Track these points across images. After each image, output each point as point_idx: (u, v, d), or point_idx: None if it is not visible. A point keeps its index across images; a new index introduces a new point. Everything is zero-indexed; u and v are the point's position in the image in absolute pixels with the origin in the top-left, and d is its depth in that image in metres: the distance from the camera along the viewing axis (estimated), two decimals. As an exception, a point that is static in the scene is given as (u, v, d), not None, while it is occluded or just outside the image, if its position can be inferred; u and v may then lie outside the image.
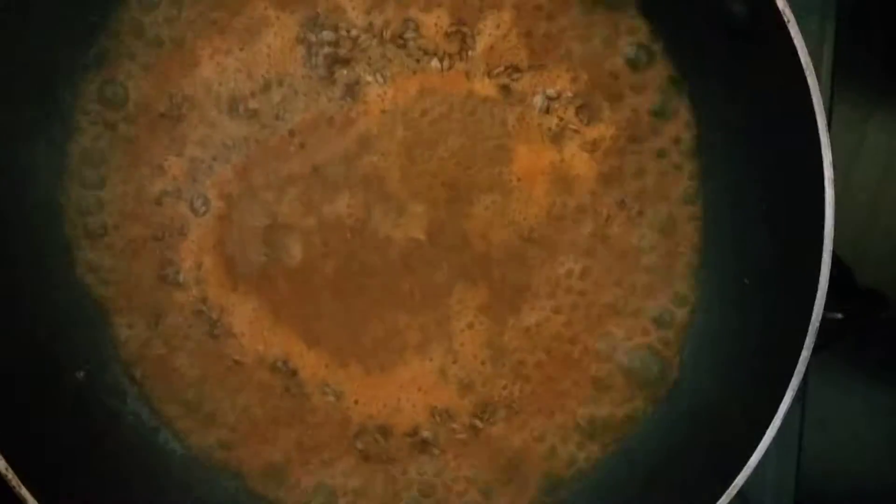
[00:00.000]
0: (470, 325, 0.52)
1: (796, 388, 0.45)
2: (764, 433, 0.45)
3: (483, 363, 0.52)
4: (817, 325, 0.46)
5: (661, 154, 0.51)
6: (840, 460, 0.68)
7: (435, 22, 0.50)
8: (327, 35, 0.50)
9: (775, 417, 0.45)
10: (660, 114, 0.51)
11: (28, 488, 0.45)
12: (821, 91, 0.44)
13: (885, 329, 0.66)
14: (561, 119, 0.51)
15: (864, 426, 0.68)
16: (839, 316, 0.64)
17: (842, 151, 0.67)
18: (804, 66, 0.42)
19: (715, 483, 0.46)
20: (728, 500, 0.46)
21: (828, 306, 0.64)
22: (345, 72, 0.50)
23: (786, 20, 0.42)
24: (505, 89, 0.51)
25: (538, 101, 0.51)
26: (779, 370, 0.46)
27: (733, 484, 0.46)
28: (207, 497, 0.52)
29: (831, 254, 0.45)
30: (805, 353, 0.46)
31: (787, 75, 0.43)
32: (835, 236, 0.65)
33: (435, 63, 0.50)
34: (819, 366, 0.65)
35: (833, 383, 0.67)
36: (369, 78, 0.50)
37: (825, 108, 0.45)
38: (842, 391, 0.67)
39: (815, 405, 0.64)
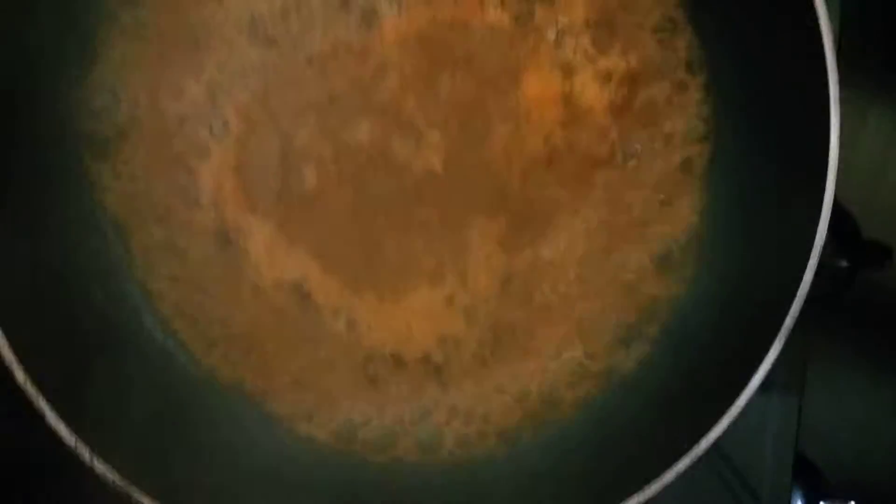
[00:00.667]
0: (488, 257, 0.54)
1: (790, 328, 0.46)
2: (753, 375, 0.46)
3: (495, 294, 0.54)
4: (815, 263, 0.46)
5: (671, 87, 0.52)
6: (842, 425, 0.69)
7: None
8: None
9: (765, 360, 0.46)
10: (668, 46, 0.52)
11: (46, 400, 0.46)
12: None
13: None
14: (574, 49, 0.52)
15: (868, 398, 0.69)
16: (844, 264, 0.65)
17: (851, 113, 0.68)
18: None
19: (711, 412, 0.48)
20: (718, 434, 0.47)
21: (833, 254, 0.65)
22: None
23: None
24: (518, 18, 0.52)
25: (551, 31, 0.52)
26: (775, 309, 0.47)
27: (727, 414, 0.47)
28: (218, 416, 0.53)
29: (833, 192, 0.46)
30: (802, 291, 0.46)
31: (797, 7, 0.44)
32: (843, 191, 0.66)
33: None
34: (824, 328, 0.66)
35: (837, 355, 0.68)
36: (384, 6, 0.51)
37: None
38: (846, 362, 0.68)
39: (817, 375, 0.65)
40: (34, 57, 0.49)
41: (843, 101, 0.47)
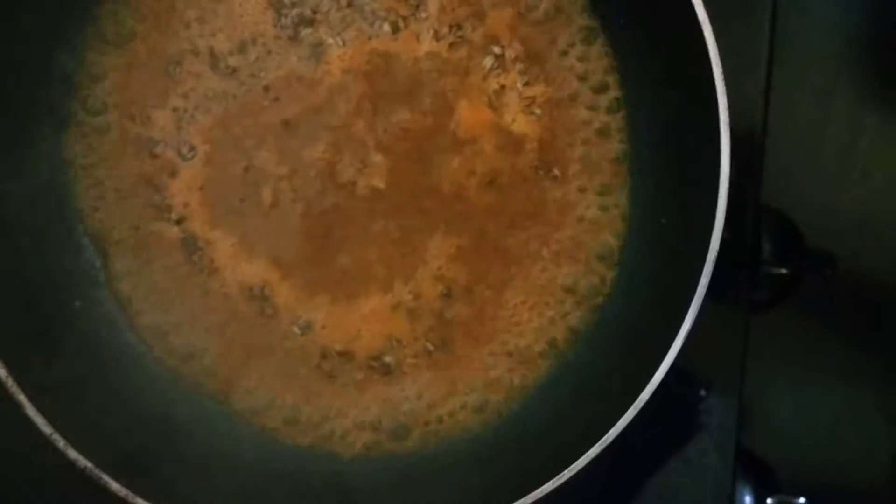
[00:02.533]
0: (438, 269, 0.57)
1: (696, 313, 0.49)
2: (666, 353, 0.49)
3: (439, 299, 0.58)
4: (715, 253, 0.49)
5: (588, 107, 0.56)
6: (793, 425, 0.71)
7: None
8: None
9: (673, 344, 0.49)
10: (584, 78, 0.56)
11: (36, 408, 0.50)
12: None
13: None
14: (504, 78, 0.56)
15: (819, 399, 0.71)
16: (784, 271, 0.68)
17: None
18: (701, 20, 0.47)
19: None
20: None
21: (773, 262, 0.68)
22: (310, 32, 0.56)
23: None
24: (453, 48, 0.56)
25: (486, 60, 0.56)
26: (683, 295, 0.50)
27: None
28: (188, 415, 0.58)
29: (727, 185, 0.49)
30: (703, 280, 0.49)
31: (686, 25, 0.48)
32: (795, 203, 0.68)
33: (386, 27, 0.56)
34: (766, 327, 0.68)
35: (787, 356, 0.70)
36: (330, 40, 0.56)
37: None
38: (796, 363, 0.70)
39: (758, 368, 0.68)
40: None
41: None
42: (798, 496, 0.67)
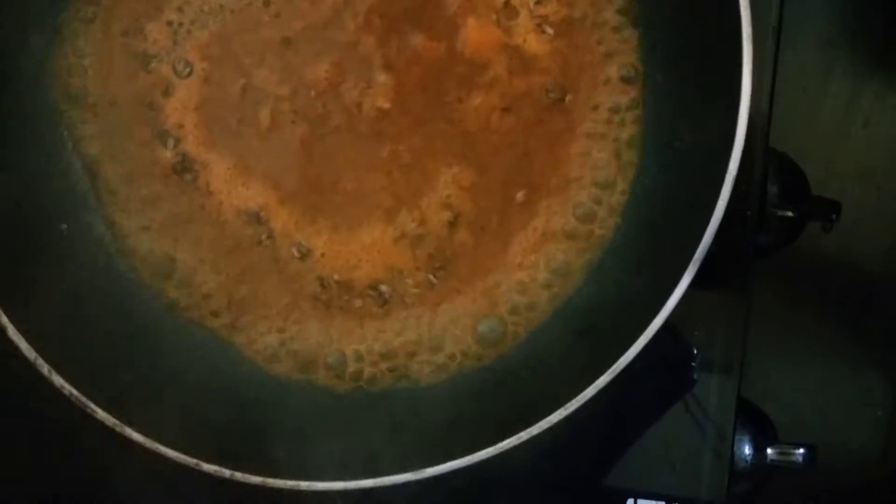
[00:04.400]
0: (446, 198, 0.55)
1: (710, 241, 0.47)
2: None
3: (446, 229, 0.55)
4: (733, 176, 0.47)
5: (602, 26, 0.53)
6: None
7: None
8: None
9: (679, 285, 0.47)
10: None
11: (19, 331, 0.48)
12: None
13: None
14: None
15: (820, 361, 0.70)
16: (790, 214, 0.66)
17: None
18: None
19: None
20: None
21: (779, 204, 0.66)
22: (314, -57, 0.52)
23: None
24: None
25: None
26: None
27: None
28: (180, 343, 0.55)
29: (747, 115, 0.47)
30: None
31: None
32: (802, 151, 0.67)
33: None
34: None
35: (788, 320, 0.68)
36: (336, -49, 0.53)
37: None
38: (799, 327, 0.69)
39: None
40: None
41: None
42: (798, 447, 0.65)
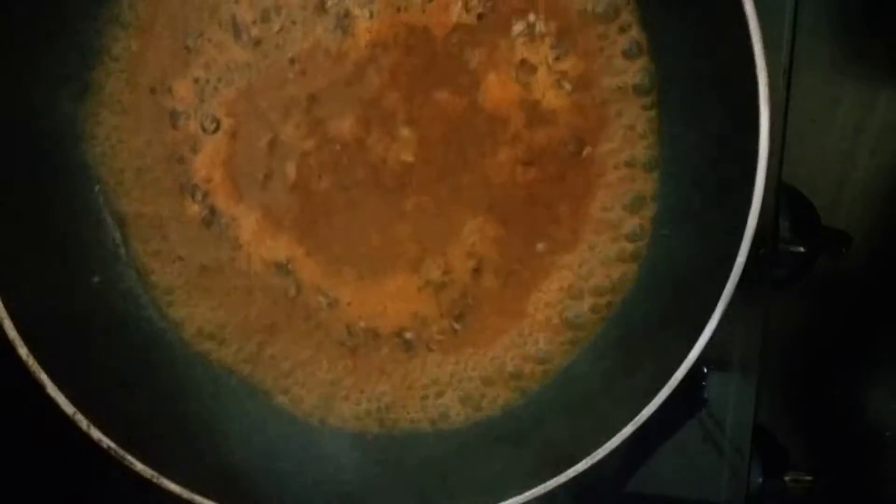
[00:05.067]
0: (470, 247, 0.55)
1: (731, 294, 0.48)
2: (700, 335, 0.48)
3: (470, 277, 0.56)
4: (751, 236, 0.48)
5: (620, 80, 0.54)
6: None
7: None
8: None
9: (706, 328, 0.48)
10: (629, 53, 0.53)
11: (58, 387, 0.49)
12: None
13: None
14: (534, 50, 0.53)
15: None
16: (801, 249, 0.67)
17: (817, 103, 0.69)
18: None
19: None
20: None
21: (791, 240, 0.67)
22: (336, 2, 0.53)
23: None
24: (482, 18, 0.53)
25: (515, 29, 0.53)
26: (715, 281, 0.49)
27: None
28: (212, 392, 0.56)
29: (765, 167, 0.47)
30: (740, 259, 0.48)
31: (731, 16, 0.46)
32: (810, 181, 0.68)
33: (416, -3, 0.53)
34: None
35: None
36: (358, 11, 0.53)
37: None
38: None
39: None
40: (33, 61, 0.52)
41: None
42: (809, 474, 0.66)
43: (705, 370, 0.68)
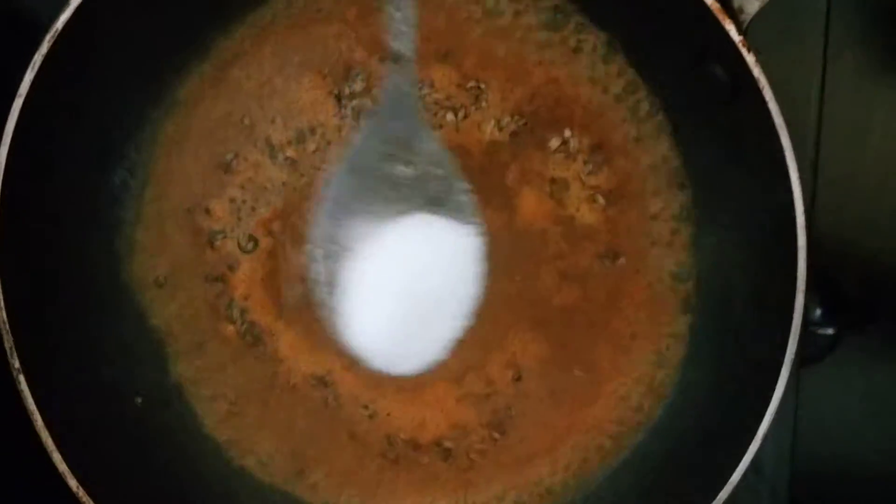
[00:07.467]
0: (511, 357, 0.55)
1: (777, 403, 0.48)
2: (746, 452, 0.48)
3: (510, 388, 0.56)
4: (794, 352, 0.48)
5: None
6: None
7: (447, 77, 0.53)
8: (357, 86, 0.54)
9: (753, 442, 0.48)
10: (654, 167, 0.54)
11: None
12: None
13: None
14: (568, 166, 0.54)
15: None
16: (830, 331, 0.67)
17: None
18: (778, 126, 0.45)
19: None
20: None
21: (821, 323, 0.67)
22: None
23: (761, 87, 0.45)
24: (515, 136, 0.54)
25: (551, 144, 0.54)
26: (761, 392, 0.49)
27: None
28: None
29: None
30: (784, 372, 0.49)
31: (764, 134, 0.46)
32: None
33: (450, 116, 0.53)
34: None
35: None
36: (394, 132, 0.53)
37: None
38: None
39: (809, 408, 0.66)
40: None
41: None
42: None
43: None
